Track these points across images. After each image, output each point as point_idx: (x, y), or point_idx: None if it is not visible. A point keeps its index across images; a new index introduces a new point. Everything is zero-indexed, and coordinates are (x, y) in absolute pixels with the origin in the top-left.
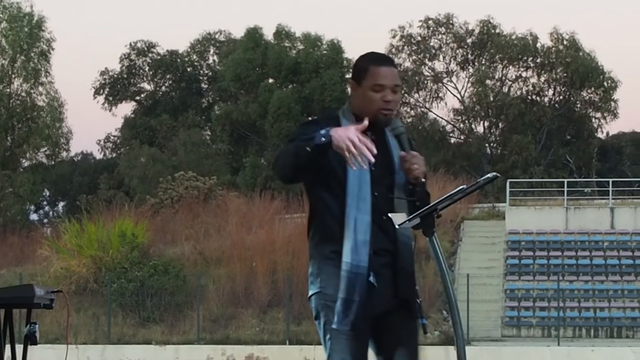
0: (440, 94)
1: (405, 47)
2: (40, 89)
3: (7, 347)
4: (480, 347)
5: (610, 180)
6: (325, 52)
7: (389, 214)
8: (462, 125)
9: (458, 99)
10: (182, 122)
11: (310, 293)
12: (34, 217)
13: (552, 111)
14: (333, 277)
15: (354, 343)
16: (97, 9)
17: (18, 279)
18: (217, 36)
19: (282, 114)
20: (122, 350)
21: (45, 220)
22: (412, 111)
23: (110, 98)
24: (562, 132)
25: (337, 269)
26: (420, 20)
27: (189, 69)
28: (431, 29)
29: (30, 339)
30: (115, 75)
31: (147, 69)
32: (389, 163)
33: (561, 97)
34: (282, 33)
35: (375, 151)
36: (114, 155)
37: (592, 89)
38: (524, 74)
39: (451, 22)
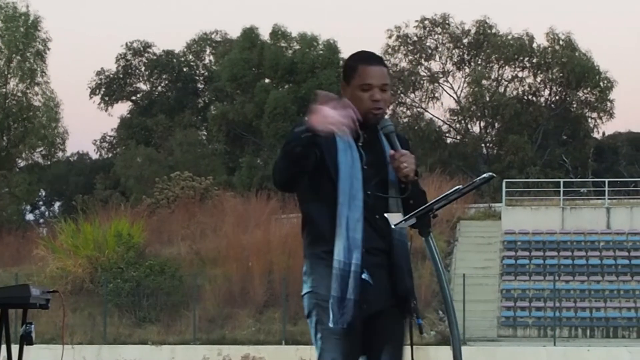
0: (437, 94)
1: (402, 47)
2: (36, 89)
3: (3, 347)
4: (476, 347)
5: (607, 180)
6: (321, 52)
7: (385, 214)
8: (458, 125)
9: (454, 99)
10: (178, 122)
11: (303, 292)
12: (29, 217)
13: (548, 111)
14: (325, 277)
15: (345, 342)
16: (93, 9)
17: (14, 279)
18: (213, 36)
19: (279, 114)
20: (118, 351)
21: (41, 220)
22: (408, 111)
23: (106, 98)
24: (558, 132)
25: (329, 269)
26: (417, 21)
27: (185, 69)
28: (427, 29)
29: (26, 339)
30: (111, 75)
31: (143, 69)
32: (381, 162)
33: (557, 97)
34: (278, 33)
35: (355, 116)
36: (110, 155)
37: (588, 89)
38: (520, 74)
39: (447, 22)
